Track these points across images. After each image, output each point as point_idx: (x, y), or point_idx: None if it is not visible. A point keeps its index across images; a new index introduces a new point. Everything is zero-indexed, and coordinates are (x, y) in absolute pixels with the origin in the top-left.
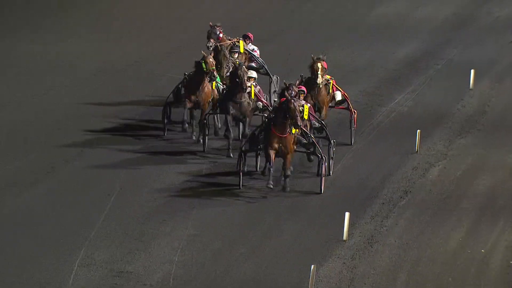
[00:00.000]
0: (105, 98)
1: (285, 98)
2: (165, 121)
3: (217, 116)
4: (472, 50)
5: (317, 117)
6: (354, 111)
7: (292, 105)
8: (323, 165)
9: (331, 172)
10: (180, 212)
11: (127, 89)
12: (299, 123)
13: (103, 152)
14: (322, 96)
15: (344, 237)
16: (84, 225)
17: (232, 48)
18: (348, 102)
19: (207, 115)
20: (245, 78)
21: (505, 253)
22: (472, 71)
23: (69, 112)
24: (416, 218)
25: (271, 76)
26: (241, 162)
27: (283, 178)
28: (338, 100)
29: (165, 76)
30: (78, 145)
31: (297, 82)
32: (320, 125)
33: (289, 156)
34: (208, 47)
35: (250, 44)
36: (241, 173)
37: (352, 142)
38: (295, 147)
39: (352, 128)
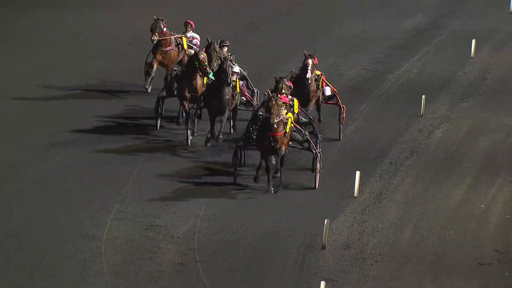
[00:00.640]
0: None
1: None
2: (158, 116)
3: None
4: (474, 21)
5: (305, 112)
6: (342, 106)
7: (270, 103)
8: (317, 161)
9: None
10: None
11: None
12: (271, 122)
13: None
14: (311, 91)
15: (355, 194)
16: (117, 183)
17: (222, 42)
18: (337, 98)
19: (192, 109)
20: (230, 72)
21: (503, 208)
22: (473, 41)
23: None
24: (421, 176)
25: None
26: (236, 158)
27: (278, 174)
28: (327, 96)
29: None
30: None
31: (287, 77)
32: (307, 119)
33: (284, 150)
34: (152, 41)
35: (191, 31)
36: (235, 169)
37: (341, 137)
38: (289, 143)
39: (341, 124)
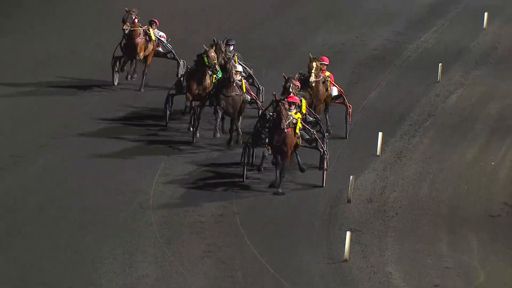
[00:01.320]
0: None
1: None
2: (167, 112)
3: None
4: None
5: (312, 111)
6: (349, 106)
7: (279, 107)
8: (325, 160)
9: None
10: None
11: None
12: (282, 126)
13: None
14: (319, 93)
15: (378, 153)
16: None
17: (227, 41)
18: (343, 97)
19: (197, 107)
20: (233, 71)
21: (511, 165)
22: (486, 14)
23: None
24: (437, 136)
25: (179, 60)
26: (245, 155)
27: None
28: (334, 96)
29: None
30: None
31: (296, 77)
32: (315, 119)
33: (289, 152)
34: (123, 30)
35: (156, 29)
36: (245, 166)
37: (347, 135)
38: (299, 141)
39: (348, 122)
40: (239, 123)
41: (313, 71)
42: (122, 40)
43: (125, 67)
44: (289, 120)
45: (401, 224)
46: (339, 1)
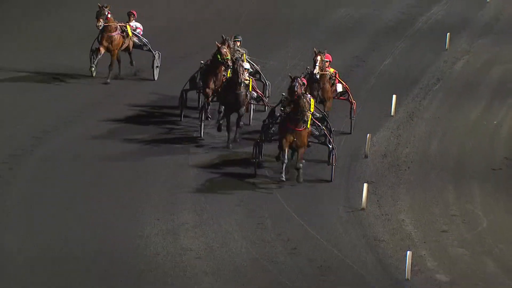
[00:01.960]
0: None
1: (296, 92)
2: (182, 108)
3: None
4: None
5: (319, 108)
6: (353, 102)
7: (301, 102)
8: (334, 155)
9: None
10: None
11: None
12: (306, 119)
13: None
14: (326, 90)
15: (392, 113)
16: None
17: (235, 37)
18: (348, 93)
19: (205, 104)
20: (241, 71)
21: (511, 124)
22: None
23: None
24: (445, 99)
25: (153, 52)
26: (256, 152)
27: (296, 170)
28: (339, 92)
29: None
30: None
31: (302, 74)
32: (321, 115)
33: (302, 149)
34: (97, 27)
35: (133, 21)
36: (255, 162)
37: (352, 131)
38: (308, 140)
39: (352, 118)
40: (248, 120)
41: (317, 63)
42: (99, 34)
43: (97, 57)
44: (309, 115)
45: (412, 176)
46: None
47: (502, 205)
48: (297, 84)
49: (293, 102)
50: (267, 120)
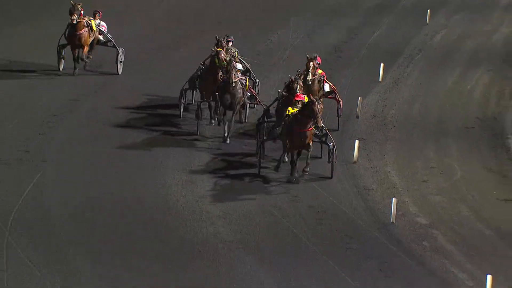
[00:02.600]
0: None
1: (299, 95)
2: (181, 106)
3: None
4: None
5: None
6: (340, 100)
7: (315, 107)
8: (334, 153)
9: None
10: None
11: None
12: (319, 124)
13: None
14: (314, 91)
15: (380, 79)
16: None
17: (227, 38)
18: (335, 93)
19: (201, 102)
20: (233, 73)
21: (483, 89)
22: None
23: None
24: (426, 67)
25: (118, 48)
26: (261, 151)
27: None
28: (326, 92)
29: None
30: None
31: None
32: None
33: (311, 144)
34: (72, 20)
35: (98, 19)
36: (260, 161)
37: (339, 128)
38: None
39: (339, 116)
40: (243, 117)
41: (310, 70)
42: (66, 30)
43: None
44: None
45: (397, 134)
46: None
47: (474, 158)
48: (298, 86)
49: (305, 106)
50: (261, 119)
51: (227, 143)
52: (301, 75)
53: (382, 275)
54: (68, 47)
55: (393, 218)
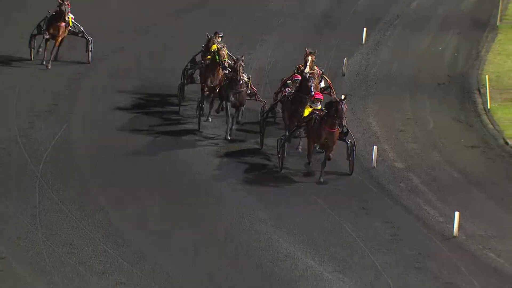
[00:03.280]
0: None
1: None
2: (180, 101)
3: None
4: None
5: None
6: (335, 95)
7: (340, 107)
8: (354, 151)
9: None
10: None
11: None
12: (344, 123)
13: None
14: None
15: (363, 42)
16: None
17: (216, 33)
18: (331, 88)
19: (202, 100)
20: (241, 71)
21: (453, 49)
22: None
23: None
24: (403, 31)
25: (88, 38)
26: (283, 149)
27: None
28: (322, 87)
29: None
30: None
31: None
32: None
33: (334, 146)
34: (62, 6)
35: (69, 13)
36: (281, 159)
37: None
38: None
39: None
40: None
41: (308, 63)
42: (42, 21)
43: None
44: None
45: (378, 90)
46: None
47: (445, 110)
48: (313, 84)
49: (331, 106)
50: (265, 114)
51: (229, 139)
52: (295, 70)
53: (364, 212)
54: (40, 37)
55: (374, 163)
